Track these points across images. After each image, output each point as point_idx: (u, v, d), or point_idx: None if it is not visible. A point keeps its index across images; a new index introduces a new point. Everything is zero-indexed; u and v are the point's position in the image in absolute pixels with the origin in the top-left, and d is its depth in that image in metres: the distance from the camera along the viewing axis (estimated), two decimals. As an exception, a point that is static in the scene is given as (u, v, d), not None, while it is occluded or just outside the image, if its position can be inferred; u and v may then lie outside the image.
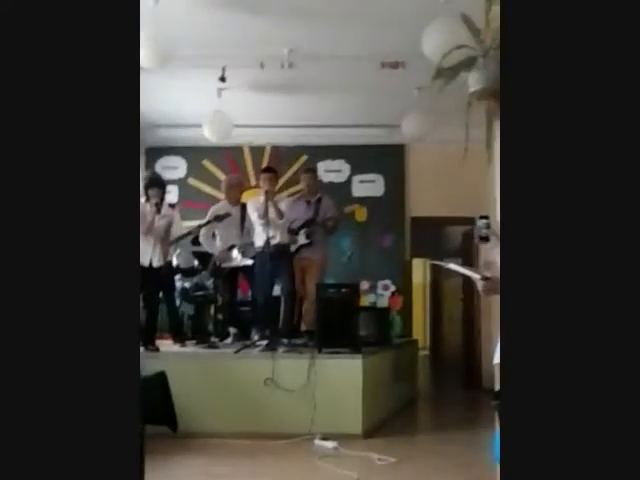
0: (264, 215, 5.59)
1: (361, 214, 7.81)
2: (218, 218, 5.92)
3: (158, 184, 5.76)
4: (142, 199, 5.71)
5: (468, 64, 2.67)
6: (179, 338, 5.92)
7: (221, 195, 6.51)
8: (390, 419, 5.79)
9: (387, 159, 7.93)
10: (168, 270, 5.81)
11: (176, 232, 5.80)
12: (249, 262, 5.92)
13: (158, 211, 5.61)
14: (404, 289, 7.98)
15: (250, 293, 6.37)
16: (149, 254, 5.59)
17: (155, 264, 5.61)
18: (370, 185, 7.99)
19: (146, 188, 5.68)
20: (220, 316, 6.45)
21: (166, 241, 5.68)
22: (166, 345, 5.81)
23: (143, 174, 6.06)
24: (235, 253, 6.00)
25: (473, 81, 2.67)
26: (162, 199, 5.73)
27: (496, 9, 2.81)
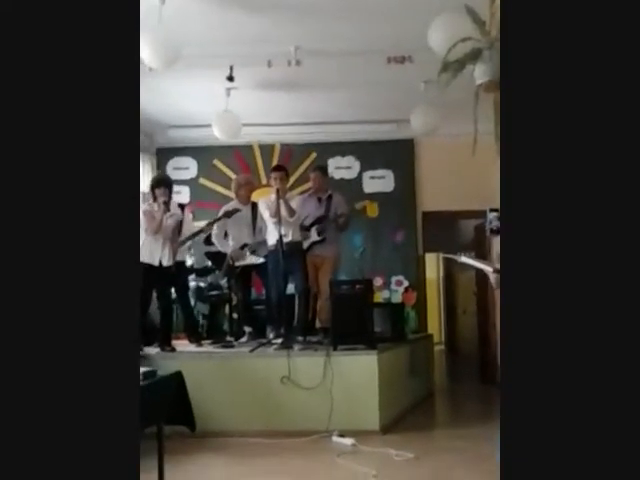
0: (276, 213, 5.59)
1: (372, 210, 7.78)
2: (227, 214, 5.94)
3: (164, 183, 5.78)
4: (150, 200, 5.75)
5: (474, 56, 2.66)
6: (194, 338, 5.95)
7: (232, 194, 6.53)
8: (407, 414, 5.79)
9: (397, 154, 7.91)
10: (179, 269, 5.80)
11: (187, 232, 5.82)
12: (262, 260, 5.93)
13: (167, 209, 5.63)
14: (417, 284, 7.96)
15: (264, 291, 6.39)
16: (159, 253, 5.62)
17: (165, 263, 5.63)
18: (380, 181, 7.97)
19: (153, 188, 5.72)
20: (235, 315, 6.46)
21: (175, 240, 5.68)
22: (182, 345, 5.84)
23: (154, 175, 6.09)
24: (247, 252, 6.03)
25: (479, 73, 2.67)
26: (169, 197, 5.74)
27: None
